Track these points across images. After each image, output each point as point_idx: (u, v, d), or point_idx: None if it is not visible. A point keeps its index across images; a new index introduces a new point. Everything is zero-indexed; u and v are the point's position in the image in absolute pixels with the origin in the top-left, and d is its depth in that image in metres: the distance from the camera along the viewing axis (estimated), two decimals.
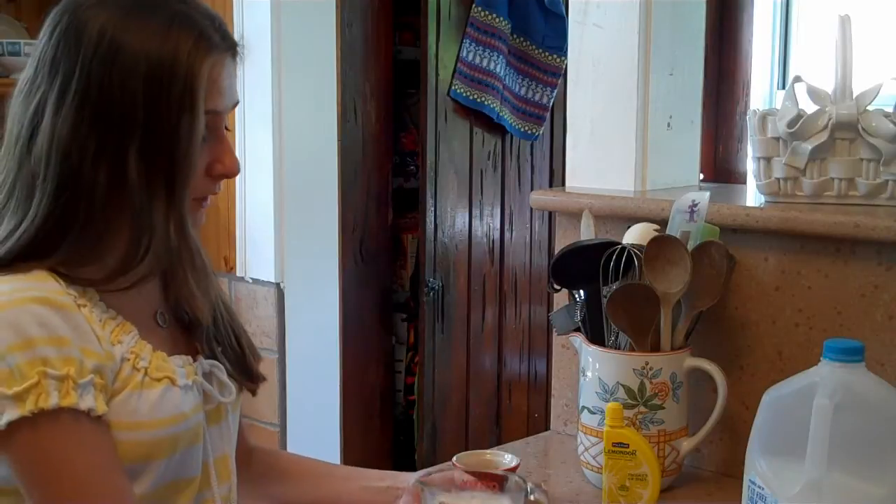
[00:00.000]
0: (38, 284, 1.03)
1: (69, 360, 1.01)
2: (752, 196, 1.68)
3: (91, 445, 1.03)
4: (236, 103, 1.15)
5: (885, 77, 1.52)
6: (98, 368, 1.04)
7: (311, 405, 2.87)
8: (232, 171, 1.13)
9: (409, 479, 1.30)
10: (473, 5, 3.32)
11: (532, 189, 3.43)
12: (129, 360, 1.08)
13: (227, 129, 1.14)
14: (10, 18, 2.79)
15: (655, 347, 1.46)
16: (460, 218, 3.40)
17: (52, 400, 0.99)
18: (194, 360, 1.17)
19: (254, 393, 1.27)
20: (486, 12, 3.35)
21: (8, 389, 0.99)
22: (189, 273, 1.12)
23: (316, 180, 2.99)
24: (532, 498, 1.16)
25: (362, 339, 3.22)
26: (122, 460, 1.06)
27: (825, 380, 1.16)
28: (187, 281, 1.13)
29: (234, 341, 1.24)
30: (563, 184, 1.86)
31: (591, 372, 1.49)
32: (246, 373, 1.25)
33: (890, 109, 1.48)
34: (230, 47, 1.12)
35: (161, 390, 1.09)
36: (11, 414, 0.99)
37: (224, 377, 1.19)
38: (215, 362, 1.19)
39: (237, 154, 1.15)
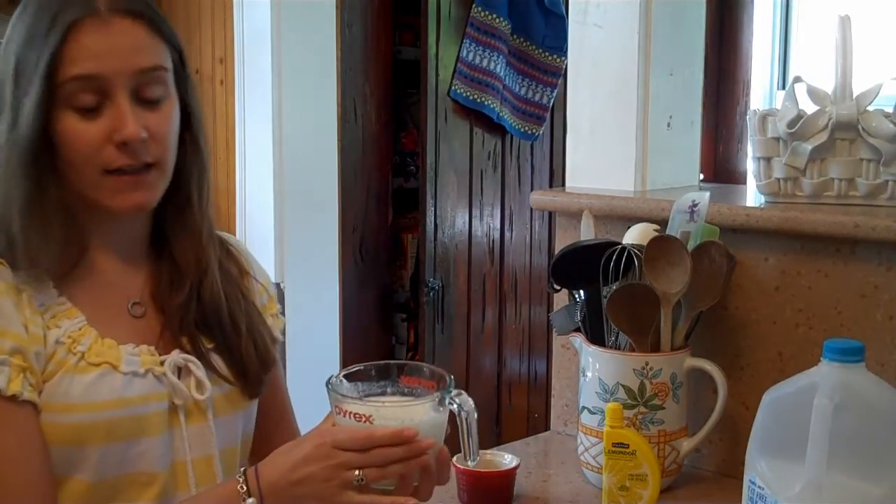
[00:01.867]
0: None
1: None
2: (752, 196, 1.68)
3: (2, 427, 1.03)
4: (140, 68, 1.09)
5: (885, 77, 1.52)
6: (16, 350, 1.04)
7: (311, 405, 2.86)
8: (128, 137, 1.08)
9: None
10: (473, 5, 3.32)
11: (532, 189, 3.43)
12: (64, 343, 1.08)
13: (145, 99, 1.09)
14: (10, 18, 2.79)
15: (655, 347, 1.46)
16: (460, 218, 3.40)
17: None
18: (164, 353, 1.15)
19: (251, 397, 1.23)
20: (486, 12, 3.35)
21: None
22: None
23: (316, 180, 2.99)
24: (451, 407, 1.06)
25: (362, 339, 3.22)
26: (54, 444, 1.07)
27: (825, 380, 1.16)
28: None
29: (231, 340, 1.20)
30: (563, 184, 1.86)
31: (591, 372, 1.49)
32: (240, 374, 1.20)
33: (890, 109, 1.48)
34: (117, 10, 1.08)
35: (97, 374, 1.09)
36: None
37: (201, 374, 1.16)
38: (192, 358, 1.16)
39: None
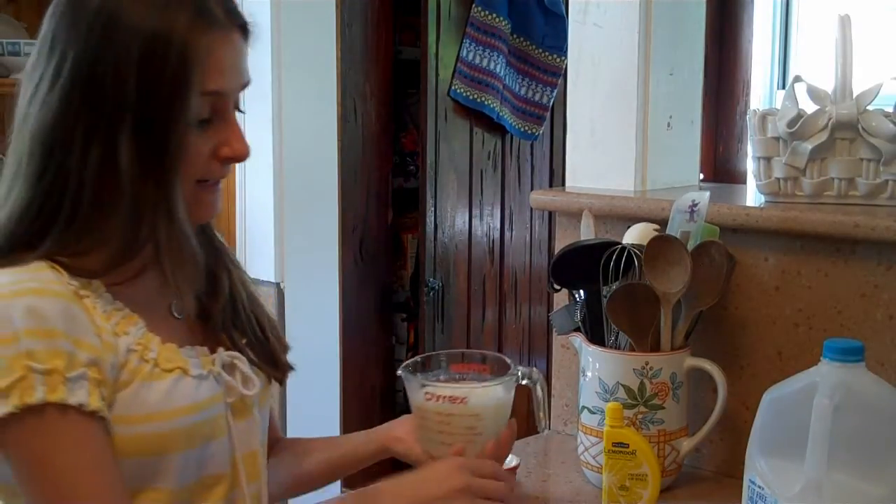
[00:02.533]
0: (35, 275, 1.00)
1: (57, 352, 0.97)
2: (752, 196, 1.68)
3: (79, 442, 0.98)
4: (246, 84, 1.09)
5: (885, 77, 1.52)
6: (94, 361, 0.99)
7: (311, 405, 2.87)
8: (239, 154, 1.08)
9: (391, 427, 1.31)
10: (473, 5, 3.32)
11: (532, 189, 3.43)
12: (136, 351, 1.04)
13: (240, 110, 1.10)
14: (10, 18, 2.79)
15: (655, 347, 1.46)
16: (460, 218, 3.40)
17: (37, 395, 0.95)
18: (213, 352, 1.13)
19: (281, 382, 1.23)
20: (486, 12, 3.35)
21: None
22: (173, 263, 1.07)
23: (316, 180, 2.99)
24: (524, 383, 1.20)
25: (362, 339, 3.23)
26: (134, 455, 1.03)
27: (825, 380, 1.16)
28: (174, 273, 1.07)
29: (258, 331, 1.20)
30: (563, 184, 1.86)
31: (591, 372, 1.49)
32: (272, 363, 1.21)
33: (890, 109, 1.48)
34: (236, 24, 1.06)
35: (171, 380, 1.06)
36: (2, 409, 0.95)
37: (247, 369, 1.15)
38: (236, 354, 1.15)
39: None
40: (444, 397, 1.15)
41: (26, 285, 0.99)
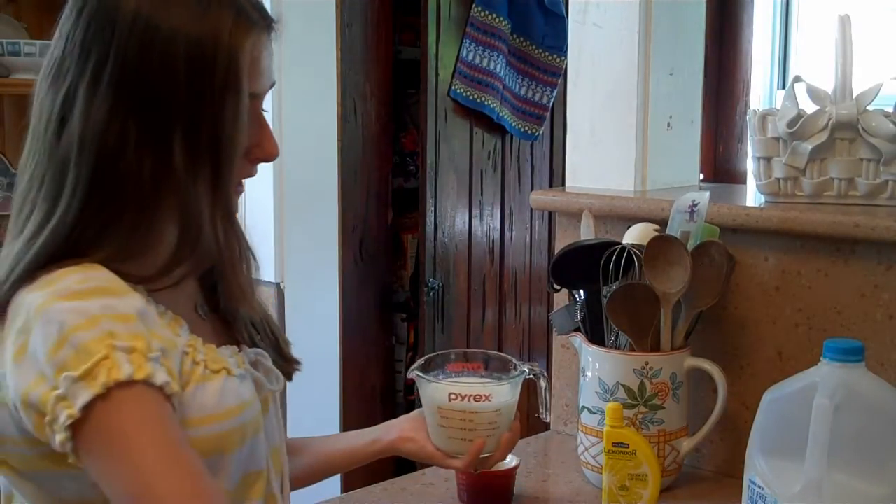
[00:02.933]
0: (103, 275, 0.97)
1: (137, 335, 0.93)
2: (752, 196, 1.68)
3: (166, 420, 0.94)
4: (273, 84, 1.09)
5: (885, 77, 1.52)
6: (164, 351, 0.96)
7: (311, 405, 2.87)
8: (271, 154, 1.08)
9: (394, 426, 1.33)
10: (473, 5, 3.32)
11: (532, 189, 3.43)
12: (188, 353, 1.02)
13: (263, 109, 1.09)
14: (10, 18, 2.79)
15: (655, 347, 1.46)
16: (460, 218, 3.40)
17: (124, 371, 0.91)
18: (239, 350, 1.13)
19: (290, 377, 1.23)
20: (486, 12, 3.35)
21: (75, 371, 0.90)
22: (237, 264, 1.07)
23: (316, 180, 2.99)
24: (531, 377, 1.29)
25: (362, 339, 3.22)
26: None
27: (825, 380, 1.16)
28: (236, 273, 1.07)
29: (267, 328, 1.21)
30: (563, 184, 1.86)
31: (591, 372, 1.49)
32: (284, 358, 1.22)
33: (890, 109, 1.48)
34: (268, 24, 1.06)
35: (221, 381, 1.04)
36: (84, 396, 0.90)
37: (270, 364, 1.16)
38: (259, 350, 1.16)
39: None
40: (469, 396, 1.22)
41: (95, 284, 0.96)
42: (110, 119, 0.98)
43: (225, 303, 1.15)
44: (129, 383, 0.91)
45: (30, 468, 1.01)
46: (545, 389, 1.32)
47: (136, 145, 0.98)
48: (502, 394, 1.24)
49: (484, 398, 1.22)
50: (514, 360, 1.30)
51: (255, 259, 1.10)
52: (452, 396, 1.22)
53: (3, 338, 0.98)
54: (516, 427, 1.27)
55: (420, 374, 1.25)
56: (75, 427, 0.91)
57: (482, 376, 1.29)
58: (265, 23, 1.05)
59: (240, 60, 1.00)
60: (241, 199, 1.12)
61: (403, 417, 1.33)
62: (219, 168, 1.01)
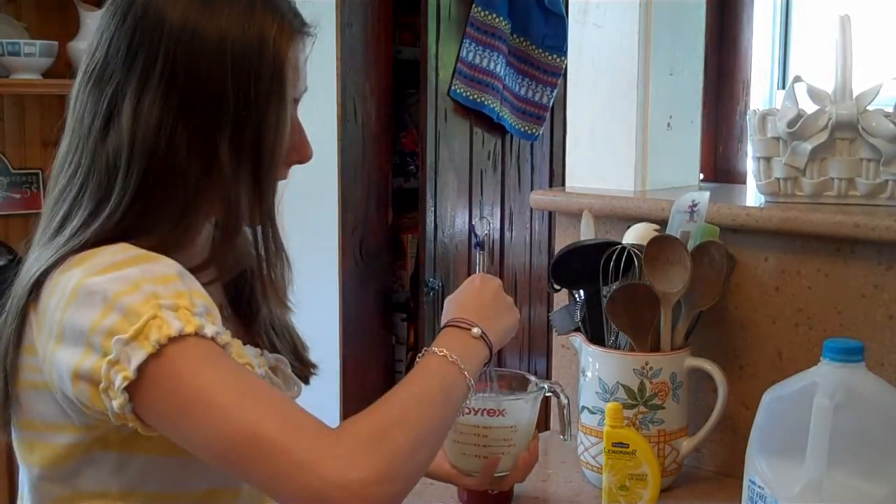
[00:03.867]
0: (130, 248, 0.99)
1: (179, 293, 0.95)
2: (752, 196, 1.68)
3: (228, 362, 0.95)
4: (306, 89, 1.10)
5: (885, 77, 1.52)
6: (208, 309, 0.98)
7: (310, 405, 2.87)
8: (307, 157, 1.10)
9: None
10: (473, 5, 3.32)
11: (532, 189, 3.43)
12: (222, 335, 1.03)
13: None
14: (10, 18, 2.79)
15: (655, 347, 1.46)
16: (460, 218, 3.40)
17: (175, 327, 0.92)
18: (261, 354, 1.14)
19: (307, 382, 1.23)
20: (486, 12, 3.35)
21: (125, 334, 0.91)
22: (274, 264, 1.09)
23: (316, 180, 2.99)
24: (549, 395, 1.28)
25: (362, 339, 3.23)
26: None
27: (825, 380, 1.16)
28: (272, 273, 1.09)
29: (285, 333, 1.22)
30: (563, 184, 1.86)
31: (591, 372, 1.49)
32: (302, 362, 1.22)
33: (890, 109, 1.48)
34: (307, 31, 1.08)
35: None
36: (138, 356, 0.91)
37: (288, 371, 1.17)
38: (279, 356, 1.16)
39: None
40: (483, 410, 1.20)
41: (131, 254, 0.98)
42: (160, 122, 0.99)
43: (257, 302, 1.16)
44: (180, 338, 0.92)
45: (53, 459, 1.01)
46: (567, 408, 1.30)
47: (187, 148, 1.00)
48: (518, 410, 1.22)
49: (498, 413, 1.21)
50: (533, 378, 1.29)
51: (289, 261, 1.12)
52: (466, 410, 1.20)
53: (38, 322, 0.99)
54: (535, 447, 1.25)
55: None
56: (132, 389, 0.92)
57: (501, 393, 1.28)
58: (304, 29, 1.07)
59: (284, 66, 1.02)
60: None
61: None
62: (260, 170, 1.03)
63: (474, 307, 1.13)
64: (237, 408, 0.91)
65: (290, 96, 1.03)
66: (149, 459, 1.01)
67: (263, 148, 1.02)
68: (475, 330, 1.08)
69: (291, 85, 1.04)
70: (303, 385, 1.21)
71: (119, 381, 0.91)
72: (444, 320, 1.12)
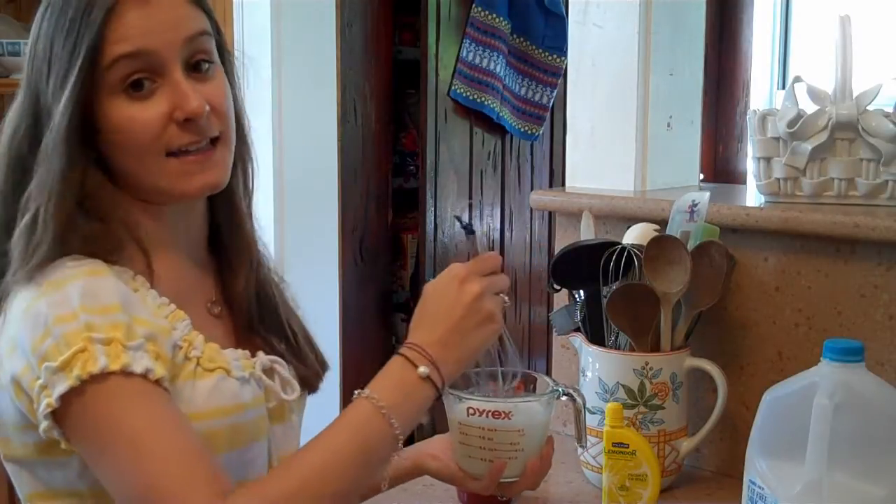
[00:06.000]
0: (90, 262, 0.99)
1: (116, 325, 0.94)
2: (752, 196, 1.68)
3: (151, 404, 0.94)
4: (189, 36, 1.02)
5: (885, 77, 1.52)
6: (152, 336, 0.97)
7: (310, 404, 2.87)
8: (192, 112, 1.01)
9: (424, 444, 1.29)
10: (473, 5, 3.32)
11: (532, 189, 3.43)
12: (181, 347, 1.02)
13: (198, 70, 1.04)
14: (10, 18, 2.79)
15: (655, 347, 1.46)
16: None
17: (99, 363, 0.92)
18: (253, 356, 1.11)
19: (315, 389, 1.21)
20: (486, 12, 3.35)
21: (54, 361, 0.92)
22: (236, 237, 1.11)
23: (316, 180, 2.99)
24: (563, 399, 1.20)
25: (362, 339, 3.22)
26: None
27: (825, 380, 1.16)
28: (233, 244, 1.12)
29: (291, 337, 1.19)
30: (563, 184, 1.86)
31: (591, 372, 1.49)
32: (309, 368, 1.20)
33: (890, 109, 1.48)
34: None
35: (215, 379, 1.04)
36: (61, 387, 0.92)
37: (286, 373, 1.14)
38: (276, 358, 1.14)
39: None
40: (488, 412, 1.14)
41: (82, 269, 0.98)
42: (16, 115, 1.05)
43: (251, 303, 1.15)
44: (103, 375, 0.93)
45: (24, 455, 1.03)
46: (583, 413, 1.23)
47: (29, 137, 1.03)
48: (526, 413, 1.16)
49: (504, 415, 1.14)
50: (548, 380, 1.21)
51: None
52: (471, 411, 1.15)
53: (4, 322, 1.01)
54: (547, 453, 1.18)
55: (448, 392, 1.16)
56: (57, 416, 0.94)
57: (514, 396, 1.21)
58: None
59: (89, 25, 0.99)
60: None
61: (436, 437, 1.29)
62: (61, 158, 1.01)
63: (441, 327, 1.04)
64: (139, 460, 0.92)
65: (86, 56, 0.99)
66: None
67: (76, 113, 1.00)
68: (421, 370, 1.01)
69: (112, 44, 0.99)
70: (299, 389, 1.17)
71: (44, 406, 0.93)
72: (411, 325, 1.07)
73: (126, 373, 0.93)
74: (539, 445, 1.17)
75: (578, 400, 1.22)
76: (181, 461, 0.93)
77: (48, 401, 0.93)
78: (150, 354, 0.96)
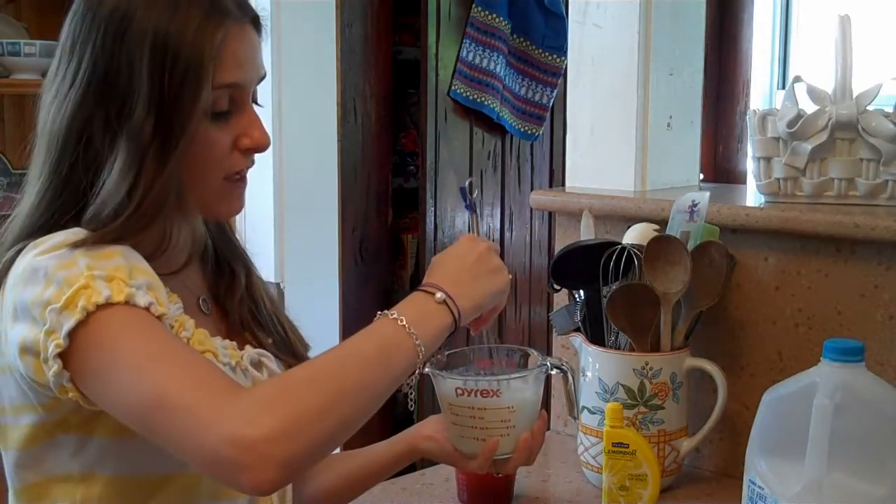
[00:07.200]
0: (81, 231, 1.01)
1: (118, 267, 0.96)
2: (752, 196, 1.68)
3: (158, 330, 0.96)
4: (262, 77, 1.10)
5: (885, 77, 1.52)
6: (151, 286, 0.99)
7: None
8: (260, 144, 1.09)
9: (418, 427, 1.30)
10: (473, 5, 3.32)
11: (532, 189, 3.43)
12: (172, 327, 1.03)
13: (257, 103, 1.11)
14: (10, 18, 2.79)
15: (655, 347, 1.46)
16: (460, 218, 3.40)
17: (103, 294, 0.93)
18: (240, 349, 1.13)
19: None
20: (486, 12, 3.35)
21: (58, 303, 0.93)
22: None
23: (316, 180, 2.99)
24: (553, 373, 1.21)
25: None
26: None
27: (825, 380, 1.16)
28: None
29: (280, 331, 1.21)
30: (563, 184, 1.86)
31: (591, 372, 1.49)
32: (297, 358, 1.21)
33: (890, 109, 1.48)
34: (248, 16, 1.08)
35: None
36: (68, 324, 0.93)
37: (274, 367, 1.16)
38: (264, 351, 1.16)
39: None
40: (477, 391, 1.15)
41: (85, 236, 0.99)
42: (79, 109, 1.03)
43: (239, 298, 1.17)
44: (108, 305, 0.94)
45: (18, 443, 1.03)
46: (571, 385, 1.25)
47: (101, 134, 1.02)
48: (514, 389, 1.17)
49: (492, 394, 1.15)
50: (535, 353, 1.23)
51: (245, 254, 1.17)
52: (459, 391, 1.16)
53: (2, 306, 1.01)
54: (539, 427, 1.20)
55: (431, 368, 1.19)
56: (65, 358, 0.94)
57: (503, 372, 1.22)
58: (243, 14, 1.07)
59: (205, 52, 1.01)
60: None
61: (431, 417, 1.30)
62: (170, 154, 1.03)
63: (452, 270, 1.10)
64: (149, 370, 0.92)
65: (208, 82, 1.02)
66: (106, 441, 1.02)
67: (177, 133, 1.02)
68: (438, 295, 1.05)
69: (219, 72, 1.03)
70: None
71: (52, 348, 0.93)
72: (424, 277, 1.11)
73: (130, 304, 0.95)
74: (530, 420, 1.18)
75: (567, 372, 1.23)
76: (191, 369, 0.93)
77: (56, 342, 0.93)
78: (151, 295, 0.98)
